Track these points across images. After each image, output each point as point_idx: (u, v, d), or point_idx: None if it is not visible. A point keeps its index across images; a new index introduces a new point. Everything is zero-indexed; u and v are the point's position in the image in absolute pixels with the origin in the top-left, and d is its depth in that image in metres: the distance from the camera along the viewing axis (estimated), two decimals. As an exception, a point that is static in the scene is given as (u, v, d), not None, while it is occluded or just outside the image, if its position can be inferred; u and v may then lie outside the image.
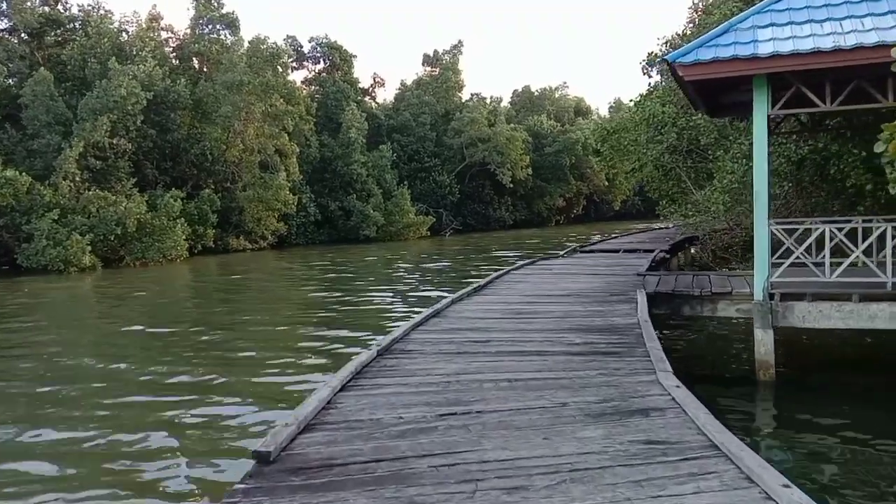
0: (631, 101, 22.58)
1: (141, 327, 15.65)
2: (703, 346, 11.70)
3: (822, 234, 9.68)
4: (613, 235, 27.76)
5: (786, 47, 8.60)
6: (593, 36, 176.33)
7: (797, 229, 10.52)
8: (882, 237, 9.41)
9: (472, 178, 60.91)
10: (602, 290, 10.70)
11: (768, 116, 9.31)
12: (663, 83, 19.18)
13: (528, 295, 10.16)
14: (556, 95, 79.17)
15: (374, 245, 45.88)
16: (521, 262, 14.89)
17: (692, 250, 20.35)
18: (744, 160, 16.25)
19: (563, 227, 64.17)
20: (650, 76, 21.01)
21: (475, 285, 11.11)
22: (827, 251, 9.35)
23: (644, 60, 21.03)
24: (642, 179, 24.08)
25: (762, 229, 9.39)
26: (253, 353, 12.42)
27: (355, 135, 49.98)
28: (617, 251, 19.05)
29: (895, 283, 8.95)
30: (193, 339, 14.01)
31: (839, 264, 9.29)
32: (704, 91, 10.41)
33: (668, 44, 19.16)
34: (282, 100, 43.64)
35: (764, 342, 9.43)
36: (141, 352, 13.12)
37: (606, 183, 72.16)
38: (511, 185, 59.92)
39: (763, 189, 9.45)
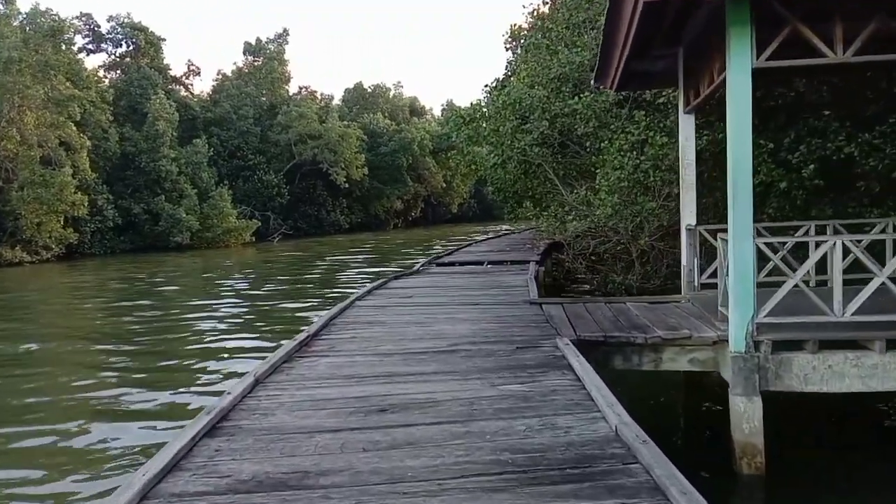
0: (488, 85, 19.43)
1: None
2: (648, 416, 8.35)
3: (820, 247, 6.58)
4: (466, 243, 24.37)
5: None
6: (425, 38, 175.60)
7: (785, 242, 7.42)
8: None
9: (302, 178, 55.82)
10: (498, 336, 6.95)
11: (753, 71, 6.05)
12: (531, 59, 15.96)
13: (389, 357, 6.02)
14: (391, 94, 75.76)
15: (188, 253, 39.84)
16: (368, 287, 10.88)
17: (563, 258, 17.31)
18: (633, 153, 13.34)
19: (402, 231, 60.77)
20: (515, 53, 17.85)
21: (299, 339, 6.79)
22: (836, 274, 6.23)
23: (507, 33, 17.85)
24: (493, 178, 20.90)
25: (744, 243, 6.11)
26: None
27: (164, 127, 43.44)
28: (480, 263, 15.58)
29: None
30: None
31: (852, 290, 6.21)
32: (645, 32, 7.02)
33: (534, 13, 16.03)
34: (67, 83, 36.47)
35: (747, 416, 6.16)
36: None
37: (444, 185, 70.01)
38: (346, 186, 55.50)
39: (745, 183, 6.16)
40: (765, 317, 6.20)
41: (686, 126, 9.14)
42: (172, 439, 3.95)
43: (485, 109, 18.09)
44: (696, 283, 9.18)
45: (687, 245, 9.17)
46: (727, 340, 6.40)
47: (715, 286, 9.64)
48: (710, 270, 9.20)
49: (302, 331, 7.40)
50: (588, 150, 14.95)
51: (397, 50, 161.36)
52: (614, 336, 6.83)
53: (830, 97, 12.05)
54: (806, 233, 9.05)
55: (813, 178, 11.34)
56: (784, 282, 6.46)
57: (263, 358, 6.45)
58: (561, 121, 15.02)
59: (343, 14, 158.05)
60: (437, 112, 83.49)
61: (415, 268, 14.94)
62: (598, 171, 14.03)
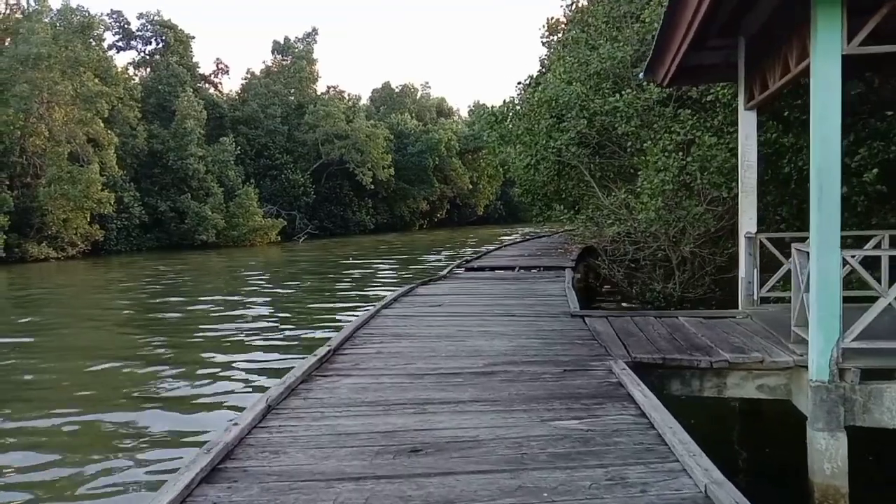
0: (521, 83, 18.59)
1: None
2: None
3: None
4: (495, 246, 23.56)
5: None
6: (454, 39, 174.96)
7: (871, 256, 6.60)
8: None
9: (329, 178, 55.38)
10: (541, 356, 6.19)
11: (843, 57, 5.25)
12: (568, 55, 15.13)
13: (419, 378, 5.18)
14: (419, 95, 75.16)
15: (213, 252, 39.57)
16: (394, 294, 10.18)
17: (597, 264, 16.47)
18: (678, 154, 12.50)
19: (428, 232, 60.07)
20: (551, 48, 17.04)
21: (319, 354, 6.04)
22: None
23: (543, 27, 17.01)
24: (523, 180, 20.07)
25: (829, 256, 5.31)
26: None
27: (192, 125, 43.20)
28: (512, 268, 14.81)
29: None
30: None
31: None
32: (713, 18, 6.24)
33: (573, 6, 15.22)
34: (95, 79, 36.32)
35: (830, 454, 5.35)
36: None
37: (470, 186, 69.19)
38: (372, 187, 54.91)
39: (832, 188, 5.37)
40: (852, 341, 5.39)
41: (747, 124, 8.31)
42: (163, 487, 3.27)
43: (518, 107, 17.30)
44: (755, 297, 8.36)
45: (746, 255, 8.34)
46: (805, 367, 5.60)
47: (775, 300, 8.85)
48: (770, 283, 8.38)
49: (324, 343, 6.72)
50: (628, 150, 14.12)
51: (426, 50, 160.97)
52: (674, 358, 6.05)
53: (892, 95, 11.14)
54: (878, 244, 8.19)
55: (875, 183, 10.44)
56: (863, 298, 5.65)
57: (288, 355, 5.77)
58: (600, 119, 14.19)
59: (372, 14, 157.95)
60: (465, 113, 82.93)
61: (443, 272, 14.21)
62: (639, 172, 13.19)
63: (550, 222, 24.53)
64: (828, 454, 5.35)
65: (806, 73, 5.87)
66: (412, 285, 11.49)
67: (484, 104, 73.30)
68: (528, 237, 29.50)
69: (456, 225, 69.06)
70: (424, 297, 10.23)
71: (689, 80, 10.04)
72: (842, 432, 5.35)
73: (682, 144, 12.74)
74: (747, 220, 8.37)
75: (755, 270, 8.36)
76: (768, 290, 8.39)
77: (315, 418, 4.48)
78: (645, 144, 12.93)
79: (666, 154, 12.51)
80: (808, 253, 5.69)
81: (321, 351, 6.17)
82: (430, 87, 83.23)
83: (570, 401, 4.77)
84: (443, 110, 77.48)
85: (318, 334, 13.61)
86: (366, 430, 4.22)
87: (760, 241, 8.35)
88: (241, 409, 8.64)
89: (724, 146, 12.21)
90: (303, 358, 11.32)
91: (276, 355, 11.72)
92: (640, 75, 9.37)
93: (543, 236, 27.47)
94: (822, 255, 5.34)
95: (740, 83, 8.31)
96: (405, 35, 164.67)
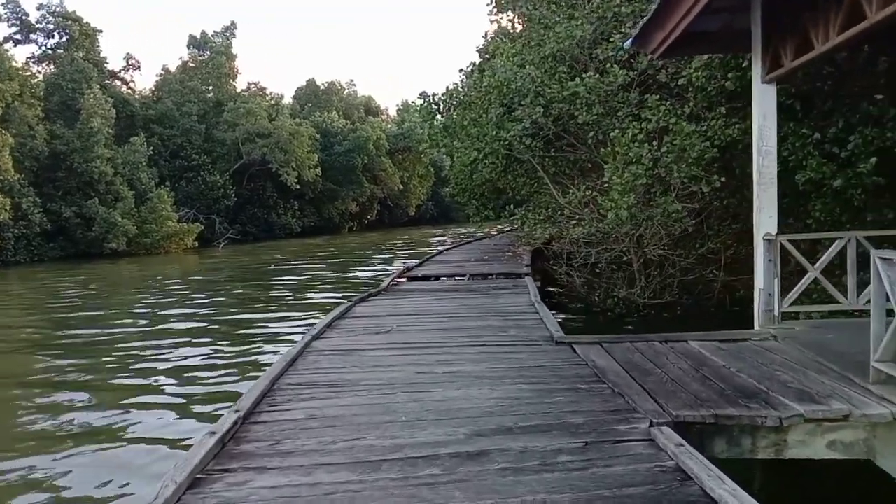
0: (463, 70, 16.77)
1: None
2: None
3: None
4: (436, 250, 21.65)
5: None
6: (379, 39, 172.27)
7: None
8: None
9: (251, 179, 52.36)
10: (543, 415, 4.28)
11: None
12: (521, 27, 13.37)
13: (375, 472, 3.15)
14: (345, 93, 72.53)
15: (124, 261, 36.42)
16: (327, 318, 8.16)
17: (548, 268, 14.87)
18: (652, 144, 10.97)
19: (358, 235, 57.77)
20: (499, 24, 15.29)
21: (217, 435, 3.93)
22: None
23: (491, 2, 15.20)
24: (460, 178, 18.34)
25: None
26: None
27: (98, 124, 39.73)
28: (461, 276, 13.01)
29: None
30: None
31: None
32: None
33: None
34: (-16, 73, 32.73)
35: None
36: None
37: (401, 186, 67.17)
38: (297, 187, 52.13)
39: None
40: None
41: (765, 100, 6.74)
42: None
43: (462, 95, 15.51)
44: (776, 313, 6.82)
45: (765, 262, 6.78)
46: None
47: (798, 315, 7.35)
48: (793, 294, 6.86)
49: (224, 409, 4.74)
50: (589, 142, 12.52)
51: (350, 50, 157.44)
52: (729, 416, 4.34)
53: (886, 79, 9.89)
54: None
55: (871, 174, 9.15)
56: None
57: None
58: (557, 107, 12.54)
59: (293, 13, 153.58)
60: (393, 112, 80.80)
61: (384, 283, 12.26)
62: (605, 166, 11.61)
63: (488, 222, 22.97)
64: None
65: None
66: (348, 304, 9.49)
67: (412, 103, 71.87)
68: (466, 239, 27.78)
69: (387, 226, 66.93)
70: (365, 320, 8.29)
71: (689, 50, 8.45)
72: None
73: (652, 133, 11.23)
74: (766, 219, 6.81)
75: (776, 280, 6.81)
76: (790, 305, 6.89)
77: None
78: (612, 134, 11.34)
79: (637, 144, 10.96)
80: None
81: (223, 423, 4.17)
82: (356, 86, 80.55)
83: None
84: (371, 108, 75.19)
85: (244, 348, 12.12)
86: None
87: (782, 244, 6.81)
88: (163, 442, 6.80)
89: (701, 134, 10.76)
90: (223, 384, 9.19)
91: (205, 374, 10.29)
92: (626, 44, 7.73)
93: (485, 238, 25.80)
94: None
95: (755, 52, 6.74)
96: (329, 33, 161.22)
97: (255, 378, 5.67)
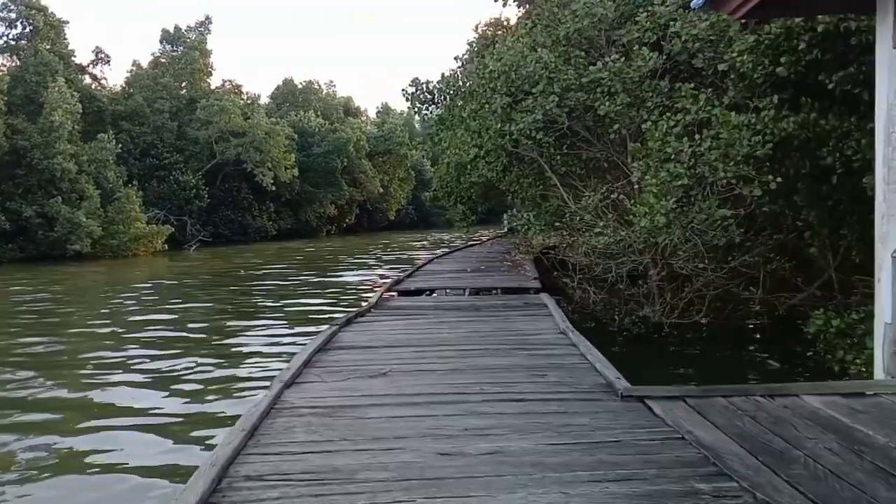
0: (459, 58, 14.99)
1: None
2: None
3: None
4: (426, 258, 19.75)
5: None
6: (357, 41, 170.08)
7: None
8: None
9: (225, 180, 50.12)
10: None
11: None
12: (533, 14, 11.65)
13: None
14: (324, 93, 70.47)
15: (89, 264, 34.20)
16: (304, 355, 6.22)
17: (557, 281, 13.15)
18: (694, 138, 9.29)
19: (337, 239, 55.72)
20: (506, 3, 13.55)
21: None
22: None
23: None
24: (446, 180, 16.63)
25: None
26: None
27: (61, 118, 37.40)
28: (460, 291, 11.23)
29: None
30: None
31: None
32: None
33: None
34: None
35: None
36: None
37: (381, 190, 65.24)
38: (273, 189, 49.98)
39: None
40: None
41: (897, 71, 5.05)
42: None
43: (461, 84, 13.74)
44: (905, 355, 5.12)
45: (895, 286, 5.08)
46: None
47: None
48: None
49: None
50: (612, 136, 10.81)
51: (328, 52, 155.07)
52: None
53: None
54: None
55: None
56: None
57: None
58: (573, 96, 10.81)
59: (270, 12, 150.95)
60: (373, 114, 78.85)
61: (372, 299, 10.40)
62: (633, 164, 9.91)
63: (474, 227, 21.31)
64: None
65: None
66: (331, 328, 7.59)
67: (393, 108, 70.06)
68: (453, 245, 26.00)
69: (367, 231, 64.91)
70: (354, 354, 6.45)
71: (780, 11, 6.72)
72: None
73: (690, 126, 9.56)
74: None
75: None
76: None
77: None
78: (644, 126, 9.64)
79: (674, 138, 9.28)
80: None
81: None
82: (335, 87, 78.50)
83: None
84: (350, 110, 73.14)
85: (218, 361, 10.96)
86: None
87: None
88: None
89: (751, 127, 9.11)
90: (194, 402, 7.55)
91: (176, 388, 9.38)
92: (696, 2, 5.98)
93: (475, 244, 24.01)
94: None
95: (889, 10, 5.04)
96: (306, 33, 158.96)
97: (234, 397, 3.87)
